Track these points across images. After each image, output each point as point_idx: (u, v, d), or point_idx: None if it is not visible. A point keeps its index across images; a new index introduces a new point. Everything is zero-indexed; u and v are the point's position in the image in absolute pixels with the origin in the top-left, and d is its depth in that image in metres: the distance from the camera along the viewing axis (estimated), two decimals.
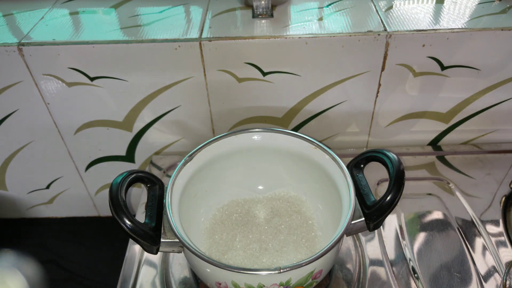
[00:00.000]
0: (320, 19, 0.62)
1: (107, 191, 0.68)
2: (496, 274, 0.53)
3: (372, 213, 0.46)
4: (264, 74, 0.61)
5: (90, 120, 0.67)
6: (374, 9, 0.63)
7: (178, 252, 0.47)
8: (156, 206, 0.48)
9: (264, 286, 0.42)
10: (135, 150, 0.72)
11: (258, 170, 0.58)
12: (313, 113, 0.67)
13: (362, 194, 0.48)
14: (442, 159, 0.70)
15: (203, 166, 0.53)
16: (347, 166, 0.51)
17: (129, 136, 0.70)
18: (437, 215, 0.61)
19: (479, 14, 0.61)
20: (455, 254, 0.55)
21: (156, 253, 0.46)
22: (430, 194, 0.64)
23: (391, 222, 0.60)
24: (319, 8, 0.64)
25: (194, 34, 0.59)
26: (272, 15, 0.62)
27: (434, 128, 0.70)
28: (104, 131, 0.69)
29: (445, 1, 0.64)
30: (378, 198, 0.47)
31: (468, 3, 0.64)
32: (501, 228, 0.58)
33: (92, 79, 0.62)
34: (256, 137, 0.55)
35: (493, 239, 0.57)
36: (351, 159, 0.52)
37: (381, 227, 0.59)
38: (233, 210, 0.58)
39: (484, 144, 0.72)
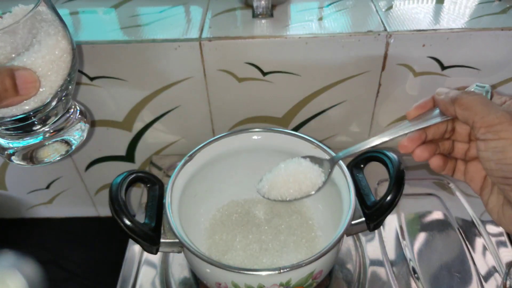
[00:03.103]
0: (320, 19, 0.61)
1: (107, 191, 0.68)
2: (496, 274, 0.53)
3: (372, 213, 0.46)
4: (264, 74, 0.61)
5: (90, 120, 0.67)
6: (374, 9, 0.63)
7: (178, 252, 0.47)
8: (156, 206, 0.48)
9: (264, 286, 0.42)
10: (135, 150, 0.72)
11: (258, 170, 0.57)
12: (313, 113, 0.67)
13: (362, 194, 0.48)
14: None
15: (203, 166, 0.53)
16: (347, 166, 0.51)
17: (129, 136, 0.70)
18: (437, 215, 0.61)
19: (479, 14, 0.61)
20: (455, 254, 0.55)
21: (156, 253, 0.46)
22: (430, 194, 0.64)
23: (391, 222, 0.60)
24: (319, 8, 0.64)
25: (194, 34, 0.59)
26: (272, 15, 0.62)
27: None
28: (104, 131, 0.69)
29: (445, 1, 0.64)
30: (378, 198, 0.47)
31: (468, 3, 0.64)
32: (501, 228, 0.58)
33: (92, 79, 0.62)
34: (256, 137, 0.55)
35: (493, 239, 0.57)
36: (351, 159, 0.52)
37: (381, 227, 0.59)
38: (233, 210, 0.58)
39: None
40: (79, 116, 0.43)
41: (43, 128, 0.40)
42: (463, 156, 0.37)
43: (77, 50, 0.40)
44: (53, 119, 0.40)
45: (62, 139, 0.41)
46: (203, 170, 0.54)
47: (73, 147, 0.42)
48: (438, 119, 0.35)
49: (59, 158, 0.41)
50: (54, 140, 0.41)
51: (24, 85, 0.33)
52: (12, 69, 0.32)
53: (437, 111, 0.35)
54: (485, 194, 0.35)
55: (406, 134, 0.36)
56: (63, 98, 0.39)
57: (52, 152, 0.41)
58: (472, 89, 0.34)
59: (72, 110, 0.43)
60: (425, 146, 0.35)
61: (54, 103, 0.38)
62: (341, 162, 0.50)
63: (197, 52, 0.59)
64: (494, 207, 0.34)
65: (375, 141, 0.40)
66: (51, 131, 0.40)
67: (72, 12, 0.66)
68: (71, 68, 0.38)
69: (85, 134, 0.43)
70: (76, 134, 0.42)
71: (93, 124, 0.68)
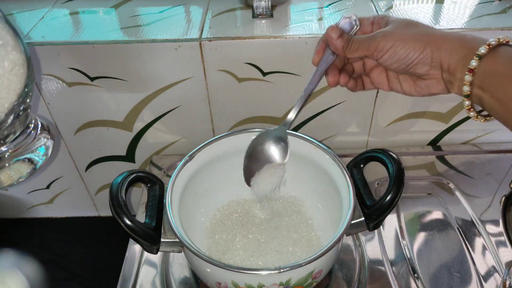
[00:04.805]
0: (320, 19, 0.62)
1: (107, 191, 0.68)
2: (496, 274, 0.53)
3: (372, 213, 0.46)
4: (264, 74, 0.61)
5: (90, 120, 0.67)
6: (374, 9, 0.63)
7: (178, 252, 0.47)
8: (156, 206, 0.48)
9: (264, 286, 0.42)
10: (135, 150, 0.72)
11: None
12: (313, 113, 0.67)
13: (362, 194, 0.48)
14: (442, 159, 0.70)
15: (203, 166, 0.53)
16: (347, 166, 0.51)
17: (129, 136, 0.70)
18: (437, 215, 0.61)
19: (479, 14, 0.61)
20: (455, 254, 0.55)
21: (156, 253, 0.46)
22: (430, 194, 0.64)
23: (391, 222, 0.60)
24: (319, 8, 0.64)
25: (194, 34, 0.59)
26: (272, 15, 0.63)
27: (434, 128, 0.70)
28: (104, 131, 0.69)
29: (445, 1, 0.64)
30: (378, 198, 0.47)
31: (468, 3, 0.64)
32: (501, 228, 0.58)
33: (92, 79, 0.62)
34: None
35: (493, 239, 0.57)
36: (351, 159, 0.52)
37: (381, 227, 0.59)
38: (233, 210, 0.58)
39: (484, 144, 0.72)
40: (41, 131, 0.39)
41: (1, 148, 0.36)
42: (363, 70, 0.47)
43: (32, 60, 0.35)
44: (11, 137, 0.36)
45: (25, 158, 0.37)
46: (203, 170, 0.54)
47: (38, 165, 0.38)
48: (334, 57, 0.44)
49: (23, 179, 0.37)
50: (15, 159, 0.37)
51: None
52: None
53: (330, 51, 0.44)
54: (397, 87, 0.45)
55: (322, 76, 0.45)
56: (20, 113, 0.35)
57: (14, 173, 0.37)
58: (341, 22, 0.44)
59: (32, 125, 0.38)
60: (344, 75, 0.45)
61: (10, 120, 0.34)
62: (341, 162, 0.50)
63: (197, 52, 0.59)
64: (410, 88, 0.44)
65: (304, 95, 0.46)
66: (11, 150, 0.36)
67: (72, 12, 0.66)
68: (26, 80, 0.34)
69: (49, 151, 0.38)
70: (40, 151, 0.38)
71: (93, 124, 0.68)
